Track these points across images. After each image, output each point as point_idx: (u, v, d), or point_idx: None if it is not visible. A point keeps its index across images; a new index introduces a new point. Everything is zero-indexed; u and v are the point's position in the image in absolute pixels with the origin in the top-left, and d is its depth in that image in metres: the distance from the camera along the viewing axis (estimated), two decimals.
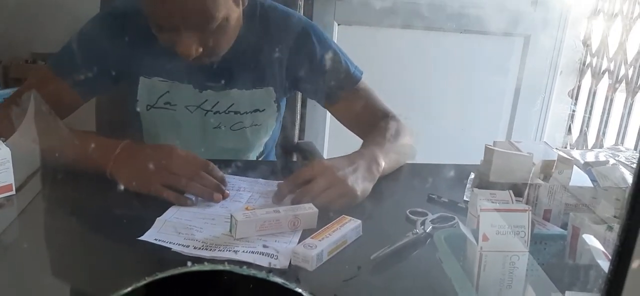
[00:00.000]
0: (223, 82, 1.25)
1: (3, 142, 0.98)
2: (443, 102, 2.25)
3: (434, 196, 1.11)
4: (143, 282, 0.38)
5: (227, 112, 1.28)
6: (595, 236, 0.74)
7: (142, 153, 1.05)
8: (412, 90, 2.22)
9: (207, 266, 0.39)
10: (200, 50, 1.10)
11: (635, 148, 1.94)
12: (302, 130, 2.22)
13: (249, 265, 0.83)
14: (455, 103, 2.24)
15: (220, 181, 1.05)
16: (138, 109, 1.26)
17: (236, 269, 0.40)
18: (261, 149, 1.41)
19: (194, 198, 1.02)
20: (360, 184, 1.05)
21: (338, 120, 1.37)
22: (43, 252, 0.89)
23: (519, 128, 2.36)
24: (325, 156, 2.35)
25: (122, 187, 1.01)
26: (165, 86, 1.23)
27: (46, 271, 0.84)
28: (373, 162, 1.10)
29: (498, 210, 0.70)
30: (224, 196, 1.04)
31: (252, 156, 1.39)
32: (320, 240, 0.88)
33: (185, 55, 1.09)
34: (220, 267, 0.39)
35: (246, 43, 1.23)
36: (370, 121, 1.29)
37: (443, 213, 1.03)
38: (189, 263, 0.39)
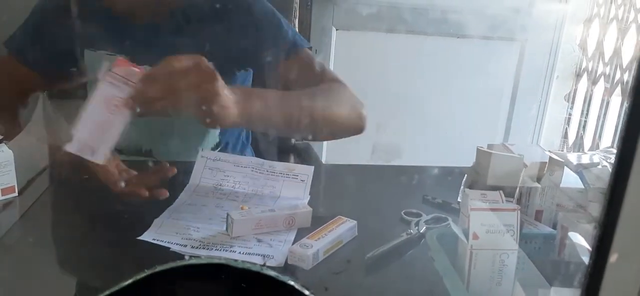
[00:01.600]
0: (162, 54, 1.09)
1: (6, 143, 1.00)
2: (441, 105, 2.26)
3: (428, 197, 1.13)
4: (143, 274, 0.40)
5: None
6: (584, 235, 0.76)
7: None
8: (410, 94, 2.23)
9: (204, 260, 0.41)
10: None
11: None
12: None
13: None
14: (453, 107, 2.26)
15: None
16: (88, 86, 1.22)
17: (232, 262, 0.42)
18: (217, 140, 1.32)
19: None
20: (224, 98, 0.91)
21: (283, 84, 1.26)
22: (45, 253, 0.91)
23: (516, 132, 2.38)
24: (323, 159, 2.38)
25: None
26: (110, 59, 1.14)
27: (48, 272, 0.86)
28: (245, 94, 0.99)
29: (488, 210, 0.72)
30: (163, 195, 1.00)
31: (202, 146, 1.29)
32: (316, 240, 0.90)
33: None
34: (216, 260, 0.41)
35: (186, 13, 1.20)
36: (314, 84, 1.20)
37: (437, 214, 1.05)
38: (187, 257, 0.41)
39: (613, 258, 0.46)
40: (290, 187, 1.12)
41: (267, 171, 1.15)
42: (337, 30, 2.25)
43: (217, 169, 1.13)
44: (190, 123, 1.23)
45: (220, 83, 0.90)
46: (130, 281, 0.39)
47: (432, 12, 2.21)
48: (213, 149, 1.31)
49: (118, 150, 1.24)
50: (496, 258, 0.73)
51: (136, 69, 0.86)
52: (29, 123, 1.13)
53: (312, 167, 1.16)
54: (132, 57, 1.14)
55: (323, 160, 2.18)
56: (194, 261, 0.41)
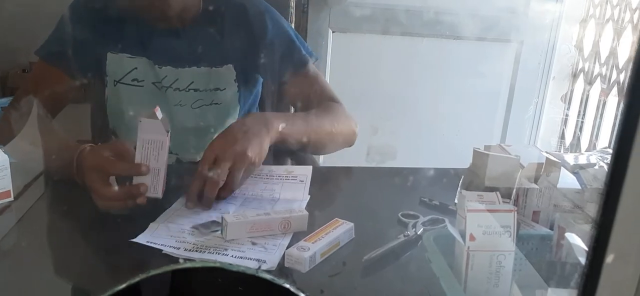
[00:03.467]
0: (182, 58, 1.28)
1: (1, 148, 1.00)
2: (437, 107, 2.27)
3: (425, 199, 1.13)
4: (137, 279, 0.40)
5: (187, 89, 1.31)
6: (581, 236, 0.76)
7: (85, 164, 1.01)
8: (407, 96, 2.24)
9: (198, 263, 0.41)
10: None
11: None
12: None
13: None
14: (449, 109, 2.26)
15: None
16: (106, 91, 1.30)
17: (226, 265, 0.41)
18: None
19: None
20: (251, 149, 1.04)
21: (288, 100, 1.41)
22: (41, 257, 0.90)
23: (513, 133, 2.38)
24: (320, 159, 2.37)
25: None
26: (133, 62, 1.27)
27: (44, 276, 0.85)
28: (263, 123, 1.10)
29: (484, 211, 0.72)
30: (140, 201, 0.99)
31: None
32: (313, 243, 0.90)
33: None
34: (211, 264, 0.41)
35: (205, 20, 1.29)
36: (316, 101, 1.33)
37: (434, 216, 1.04)
38: (181, 260, 0.41)
39: (609, 258, 0.46)
40: (290, 188, 1.12)
41: (266, 176, 1.15)
42: (333, 32, 2.25)
43: None
44: (209, 116, 1.35)
45: (252, 157, 1.04)
46: (123, 285, 0.39)
47: (427, 14, 2.21)
48: None
49: None
50: (493, 259, 0.73)
51: (159, 116, 0.99)
52: (24, 127, 1.12)
53: (311, 167, 1.17)
54: (152, 61, 1.27)
55: (320, 163, 2.18)
56: (188, 264, 0.41)
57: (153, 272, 0.40)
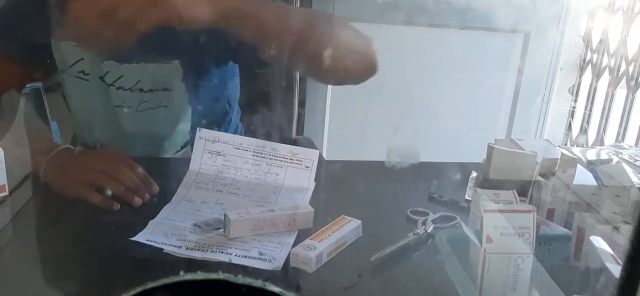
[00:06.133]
0: (127, 52, 1.06)
1: None
2: (442, 99, 2.23)
3: (435, 195, 1.10)
4: (132, 292, 0.37)
5: (132, 89, 1.15)
6: (601, 238, 0.72)
7: (73, 158, 1.01)
8: (411, 87, 2.20)
9: (200, 275, 0.37)
10: None
11: (636, 145, 1.93)
12: (301, 125, 2.20)
13: (243, 267, 0.81)
14: (454, 100, 2.22)
15: (143, 180, 1.00)
16: (58, 75, 1.19)
17: (231, 278, 0.38)
18: (188, 138, 1.25)
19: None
20: None
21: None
22: (36, 254, 0.87)
23: (519, 125, 2.34)
24: (324, 153, 2.34)
25: None
26: (78, 53, 1.13)
27: (39, 272, 0.82)
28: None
29: (502, 211, 0.69)
30: (144, 198, 0.98)
31: (174, 145, 1.25)
32: (319, 241, 0.86)
33: None
34: (214, 276, 0.37)
35: None
36: None
37: (444, 213, 1.01)
38: (182, 272, 0.37)
39: None
40: (295, 174, 1.08)
41: (270, 155, 1.09)
42: None
43: (216, 153, 1.08)
44: (157, 121, 1.20)
45: None
46: None
47: (433, 4, 2.17)
48: (183, 147, 1.26)
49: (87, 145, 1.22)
50: (511, 262, 0.70)
51: None
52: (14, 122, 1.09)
53: (317, 151, 1.10)
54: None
55: (325, 156, 2.14)
56: (189, 276, 0.37)
57: (151, 285, 0.36)
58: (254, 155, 1.08)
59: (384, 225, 1.00)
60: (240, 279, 0.38)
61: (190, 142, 1.24)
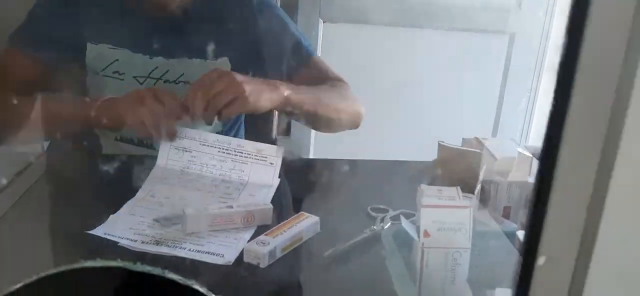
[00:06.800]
0: (173, 48, 1.23)
1: None
2: (428, 99, 2.24)
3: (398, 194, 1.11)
4: (34, 278, 0.38)
5: (177, 82, 1.25)
6: None
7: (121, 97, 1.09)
8: (397, 87, 2.21)
9: (98, 262, 0.39)
10: None
11: None
12: (289, 124, 2.22)
13: (193, 262, 0.83)
14: (440, 100, 2.23)
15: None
16: (87, 81, 1.25)
17: (129, 265, 0.40)
18: (219, 129, 1.30)
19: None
20: (250, 86, 1.07)
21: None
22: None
23: (505, 126, 2.35)
24: (312, 154, 2.35)
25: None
26: (115, 54, 1.22)
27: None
28: (270, 82, 1.12)
29: (438, 206, 0.70)
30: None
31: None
32: (274, 237, 0.87)
33: None
34: (112, 263, 0.39)
35: (200, 8, 1.24)
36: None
37: (405, 210, 1.02)
38: (82, 261, 0.39)
39: (541, 260, 0.44)
40: (259, 170, 1.09)
41: (235, 151, 1.12)
42: (323, 22, 2.23)
43: (183, 149, 1.10)
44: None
45: (237, 75, 1.07)
46: (18, 286, 0.37)
47: (419, 5, 2.18)
48: None
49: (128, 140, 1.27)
50: (449, 256, 0.71)
51: None
52: None
53: (282, 148, 1.13)
54: (141, 53, 1.22)
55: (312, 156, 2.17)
56: (89, 264, 0.39)
57: (48, 272, 0.38)
58: (219, 152, 1.10)
59: (344, 222, 1.01)
60: (139, 267, 0.40)
61: (221, 133, 1.33)
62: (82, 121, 1.11)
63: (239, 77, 1.06)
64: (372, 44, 2.25)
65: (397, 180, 1.19)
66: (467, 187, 0.86)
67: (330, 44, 2.23)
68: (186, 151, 1.10)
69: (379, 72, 2.20)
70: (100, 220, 0.91)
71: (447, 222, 0.71)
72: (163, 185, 1.05)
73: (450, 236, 0.71)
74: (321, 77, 1.32)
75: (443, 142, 0.94)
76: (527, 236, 0.44)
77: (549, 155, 0.41)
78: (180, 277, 0.41)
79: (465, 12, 2.19)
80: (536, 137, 2.39)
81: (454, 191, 0.79)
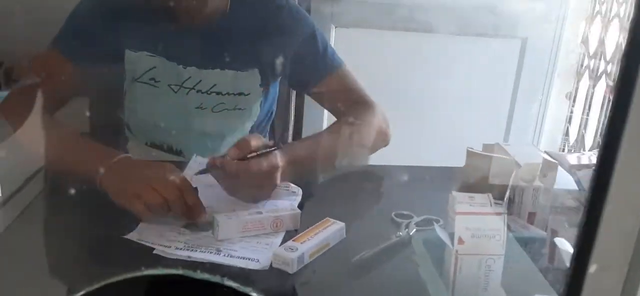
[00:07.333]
0: (206, 59, 1.25)
1: None
2: (440, 104, 2.24)
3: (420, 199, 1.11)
4: (96, 286, 0.39)
5: (208, 92, 1.27)
6: (573, 239, 0.74)
7: (130, 170, 1.01)
8: (409, 92, 2.21)
9: (160, 271, 0.39)
10: None
11: None
12: (299, 127, 2.22)
13: (227, 267, 0.83)
14: (452, 106, 2.23)
15: (193, 206, 0.97)
16: (125, 85, 1.26)
17: (189, 273, 0.40)
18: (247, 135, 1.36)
19: None
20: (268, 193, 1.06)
21: (318, 102, 1.38)
22: (33, 255, 0.89)
23: (517, 131, 2.35)
24: None
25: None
26: (152, 61, 1.24)
27: (28, 274, 0.84)
28: (298, 165, 1.10)
29: (473, 213, 0.71)
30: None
31: (234, 140, 1.32)
32: (302, 243, 0.88)
33: None
34: (173, 271, 0.40)
35: (233, 21, 1.25)
36: (346, 106, 1.30)
37: (428, 216, 1.03)
38: (143, 268, 0.40)
39: (592, 268, 0.44)
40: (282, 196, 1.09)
41: None
42: (336, 27, 2.23)
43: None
44: (229, 121, 1.31)
45: (277, 176, 1.04)
46: (81, 293, 0.38)
47: (432, 9, 2.18)
48: None
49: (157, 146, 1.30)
50: (482, 263, 0.72)
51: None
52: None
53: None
54: (175, 62, 1.24)
55: None
56: (150, 272, 0.39)
57: (110, 280, 0.38)
58: None
59: (369, 228, 1.02)
60: (199, 274, 0.40)
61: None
62: (86, 173, 1.01)
63: (272, 178, 1.03)
64: (384, 48, 2.25)
65: (417, 186, 1.19)
66: (496, 194, 0.86)
67: (342, 49, 2.22)
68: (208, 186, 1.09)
69: (391, 77, 2.20)
70: (129, 225, 0.92)
71: (481, 228, 0.71)
72: None
73: (484, 243, 0.71)
74: (345, 92, 1.31)
75: (471, 148, 0.94)
76: (578, 244, 0.45)
77: (604, 164, 0.41)
78: (238, 285, 0.42)
79: (477, 16, 2.19)
80: (548, 141, 2.39)
81: (486, 198, 0.79)
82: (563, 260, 0.64)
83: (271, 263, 0.86)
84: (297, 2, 1.69)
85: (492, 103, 2.33)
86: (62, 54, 1.20)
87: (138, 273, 0.39)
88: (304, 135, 2.25)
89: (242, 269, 0.84)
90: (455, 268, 0.72)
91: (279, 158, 1.04)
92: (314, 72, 1.31)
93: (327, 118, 2.27)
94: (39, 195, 1.03)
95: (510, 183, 0.91)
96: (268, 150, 1.03)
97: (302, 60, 1.30)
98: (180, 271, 0.40)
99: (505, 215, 0.71)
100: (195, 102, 1.27)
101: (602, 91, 2.24)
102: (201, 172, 1.02)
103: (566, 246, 0.67)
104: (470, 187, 0.92)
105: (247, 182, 1.01)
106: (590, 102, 2.31)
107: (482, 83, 2.24)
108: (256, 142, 1.03)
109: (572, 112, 2.39)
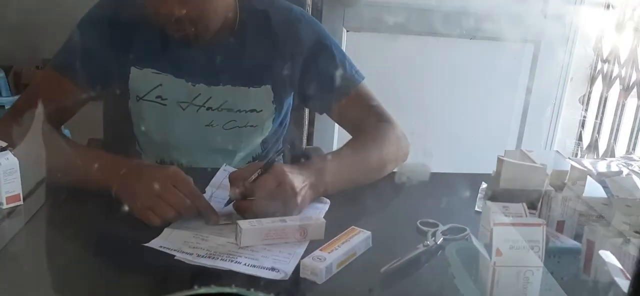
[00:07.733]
0: (216, 75, 1.21)
1: (10, 151, 0.98)
2: (453, 109, 2.23)
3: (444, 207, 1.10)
4: None
5: (219, 109, 1.23)
6: (611, 250, 0.72)
7: (139, 179, 0.99)
8: (421, 97, 2.20)
9: (214, 289, 0.38)
10: (183, 11, 1.06)
11: None
12: (310, 134, 2.21)
13: (249, 277, 0.82)
14: (465, 111, 2.22)
15: (204, 210, 0.97)
16: (129, 104, 1.23)
17: (243, 292, 0.39)
18: (259, 151, 1.34)
19: None
20: (300, 202, 1.00)
21: (335, 121, 1.34)
22: (50, 260, 0.88)
23: (530, 136, 2.34)
24: None
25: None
26: (158, 79, 1.20)
27: (53, 278, 0.84)
28: (321, 183, 1.07)
29: (512, 224, 0.69)
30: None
31: (247, 158, 1.33)
32: (329, 252, 0.87)
33: (167, 13, 1.06)
34: (227, 290, 0.38)
35: (243, 36, 1.21)
36: (364, 125, 1.24)
37: (454, 225, 1.01)
38: (196, 286, 0.38)
39: None
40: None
41: None
42: (347, 31, 2.22)
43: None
44: (241, 137, 1.27)
45: (298, 199, 0.99)
46: None
47: (444, 14, 2.17)
48: (254, 159, 1.33)
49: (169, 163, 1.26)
50: (521, 275, 0.70)
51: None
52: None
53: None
54: (183, 79, 1.19)
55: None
56: (204, 290, 0.38)
57: None
58: None
59: (394, 237, 1.00)
60: (253, 293, 0.39)
61: (261, 155, 1.34)
62: (97, 184, 1.01)
63: (292, 193, 0.98)
64: (396, 52, 2.24)
65: (438, 192, 1.17)
66: (527, 202, 0.84)
67: (354, 53, 2.20)
68: None
69: (403, 81, 2.19)
70: (149, 234, 0.90)
71: (519, 239, 0.69)
72: (214, 203, 1.02)
73: (522, 255, 0.69)
74: (363, 114, 1.26)
75: (502, 156, 0.92)
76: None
77: None
78: None
79: (489, 20, 2.18)
80: (561, 145, 2.38)
81: (520, 207, 0.78)
82: (608, 272, 0.63)
83: (298, 273, 0.84)
84: (309, 5, 1.68)
85: (505, 107, 2.32)
86: (58, 72, 1.18)
87: (191, 292, 0.38)
88: (314, 140, 2.25)
89: (265, 278, 0.83)
90: (493, 280, 0.70)
91: (298, 177, 1.00)
92: (332, 92, 1.25)
93: (338, 127, 2.27)
94: (43, 207, 1.02)
95: (544, 192, 0.89)
96: (267, 161, 1.02)
97: (320, 80, 1.25)
98: (234, 290, 0.38)
99: (545, 227, 0.69)
100: (206, 120, 1.23)
101: (616, 95, 2.22)
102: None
103: (611, 259, 0.66)
104: (499, 195, 0.91)
105: (265, 204, 0.96)
106: (604, 107, 2.29)
107: (495, 88, 2.23)
108: (249, 168, 1.01)
109: (585, 117, 2.38)
